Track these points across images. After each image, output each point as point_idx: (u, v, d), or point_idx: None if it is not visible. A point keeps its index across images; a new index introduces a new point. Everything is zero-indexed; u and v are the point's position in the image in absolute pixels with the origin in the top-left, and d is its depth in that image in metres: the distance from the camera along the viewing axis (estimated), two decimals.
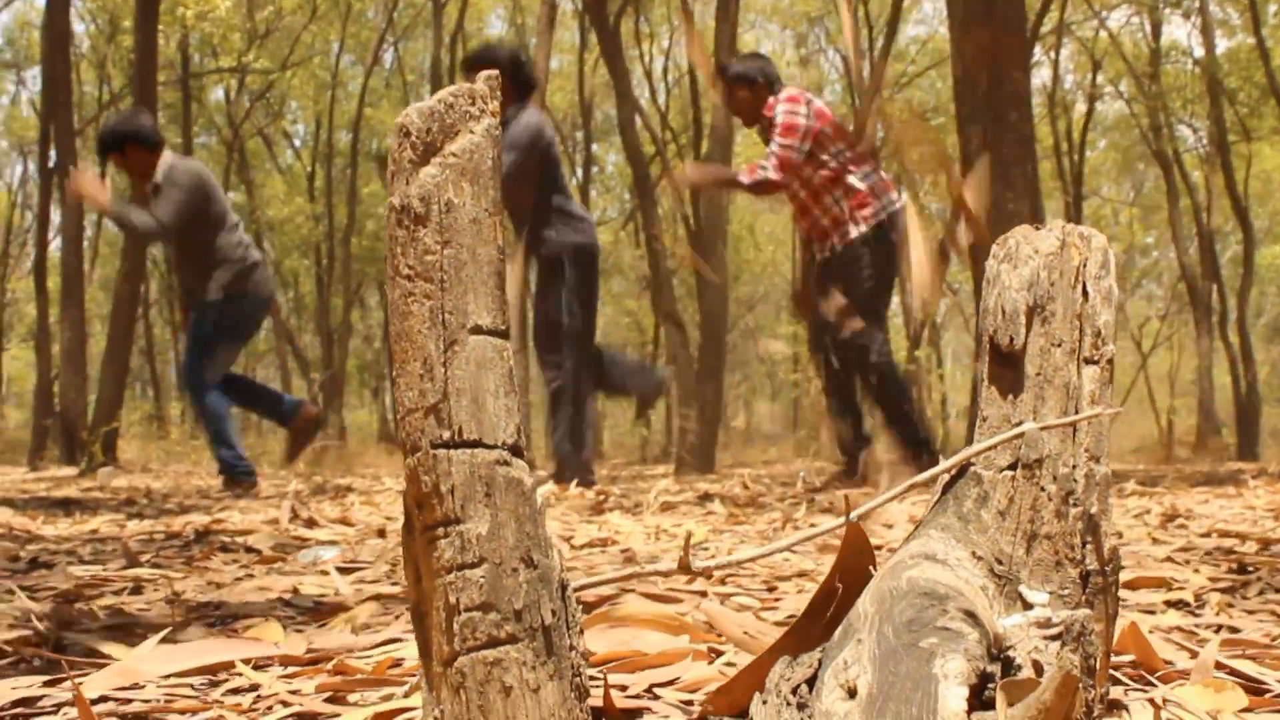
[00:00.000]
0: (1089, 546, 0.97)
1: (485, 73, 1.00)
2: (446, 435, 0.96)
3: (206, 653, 1.46)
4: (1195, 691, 1.18)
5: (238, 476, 7.03)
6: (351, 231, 27.21)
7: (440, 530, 0.96)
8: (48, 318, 19.08)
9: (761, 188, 6.51)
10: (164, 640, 1.53)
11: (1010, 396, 1.02)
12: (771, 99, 6.55)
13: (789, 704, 0.88)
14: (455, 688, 0.95)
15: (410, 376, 0.96)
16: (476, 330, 0.97)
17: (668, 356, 17.08)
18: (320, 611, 2.09)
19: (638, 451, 23.29)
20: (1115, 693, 1.22)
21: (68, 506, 5.78)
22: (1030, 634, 0.90)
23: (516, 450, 0.99)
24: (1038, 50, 22.44)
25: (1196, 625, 1.77)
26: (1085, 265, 1.01)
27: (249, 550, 3.54)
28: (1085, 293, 1.01)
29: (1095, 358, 1.01)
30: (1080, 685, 0.89)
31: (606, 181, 33.98)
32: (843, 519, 0.98)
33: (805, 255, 6.90)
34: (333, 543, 3.61)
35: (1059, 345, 1.01)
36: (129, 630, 1.88)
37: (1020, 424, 0.99)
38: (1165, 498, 5.12)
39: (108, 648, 1.64)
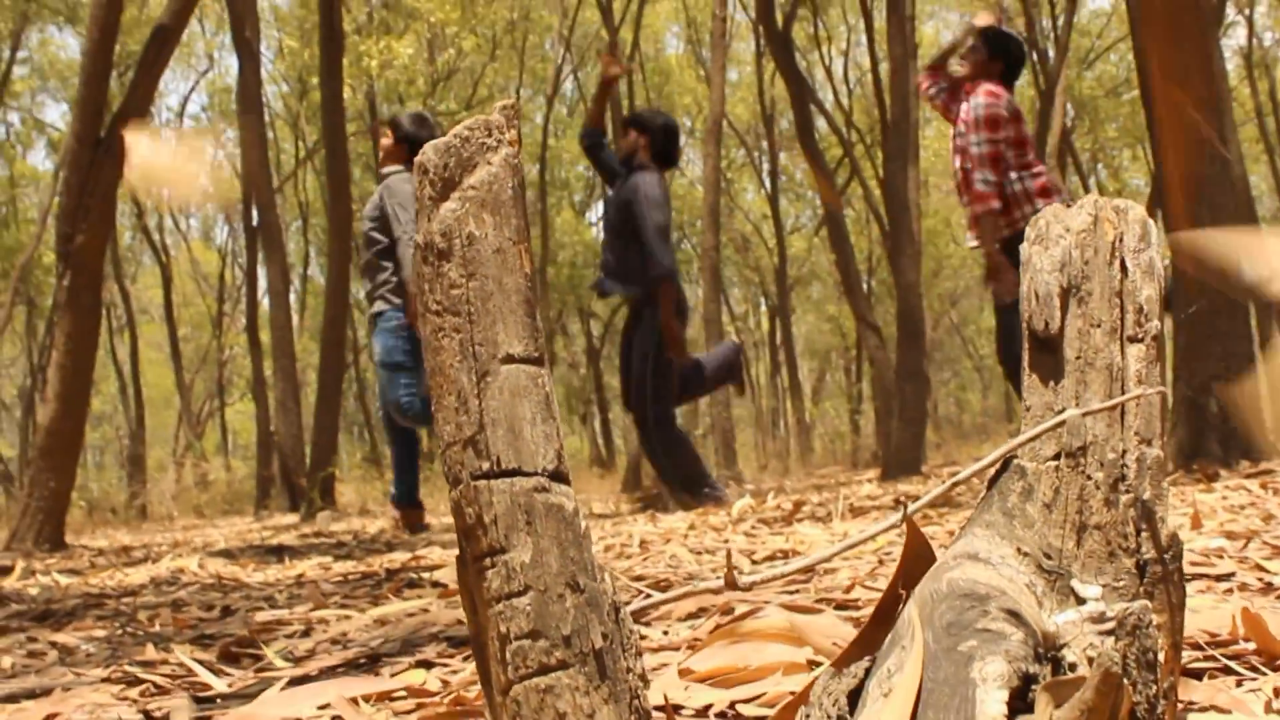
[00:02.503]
0: (1144, 534, 0.93)
1: (501, 103, 1.01)
2: (485, 466, 0.97)
3: (326, 694, 1.50)
4: None
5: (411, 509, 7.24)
6: (546, 260, 27.66)
7: (487, 560, 0.97)
8: (263, 371, 19.86)
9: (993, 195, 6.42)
10: (295, 682, 1.58)
11: (1051, 383, 0.98)
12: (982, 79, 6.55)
13: (829, 716, 0.86)
14: (513, 716, 0.96)
15: (447, 410, 0.98)
16: (508, 359, 0.98)
17: (867, 360, 16.93)
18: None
19: (849, 458, 23.09)
20: (1225, 684, 1.16)
21: (280, 553, 6.00)
22: (1084, 630, 0.87)
23: (557, 476, 0.99)
24: (1230, 10, 21.54)
25: None
26: (1122, 240, 0.97)
27: (435, 585, 3.61)
28: (1124, 268, 0.97)
29: (1139, 335, 0.96)
30: (1136, 681, 0.85)
31: (796, 189, 33.84)
32: (894, 520, 0.96)
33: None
34: None
35: (1098, 326, 0.96)
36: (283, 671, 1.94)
37: (1062, 411, 0.96)
38: None
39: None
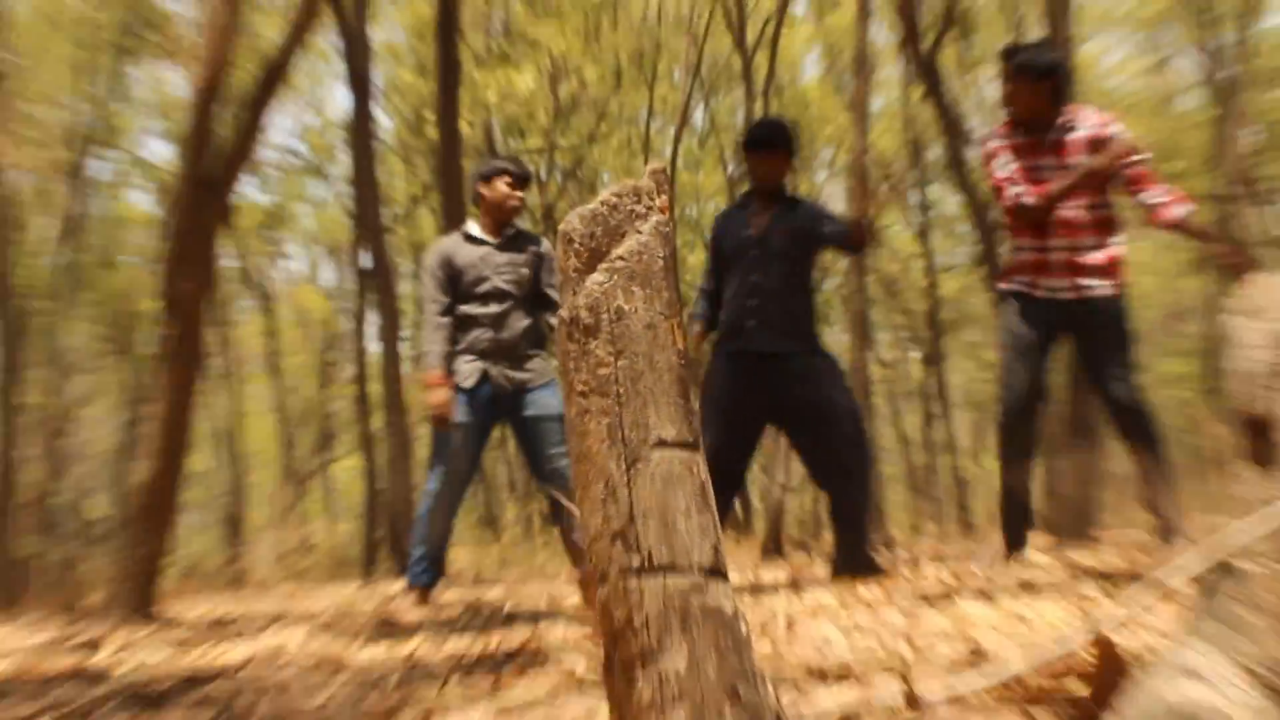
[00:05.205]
0: None
1: (652, 166, 1.01)
2: (636, 562, 0.96)
3: None
4: None
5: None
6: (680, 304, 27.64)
7: (638, 666, 0.96)
8: (369, 425, 20.09)
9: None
10: None
11: (1265, 470, 0.94)
12: (1079, 106, 6.20)
13: None
14: None
15: (593, 500, 0.97)
16: (661, 444, 0.97)
17: None
18: None
19: None
20: None
21: (389, 627, 6.03)
22: None
23: (715, 572, 0.98)
24: None
25: None
26: None
27: (566, 671, 3.59)
28: None
29: None
30: None
31: (948, 224, 33.46)
32: (1085, 636, 0.94)
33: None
34: None
35: None
36: None
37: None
38: None
39: None
